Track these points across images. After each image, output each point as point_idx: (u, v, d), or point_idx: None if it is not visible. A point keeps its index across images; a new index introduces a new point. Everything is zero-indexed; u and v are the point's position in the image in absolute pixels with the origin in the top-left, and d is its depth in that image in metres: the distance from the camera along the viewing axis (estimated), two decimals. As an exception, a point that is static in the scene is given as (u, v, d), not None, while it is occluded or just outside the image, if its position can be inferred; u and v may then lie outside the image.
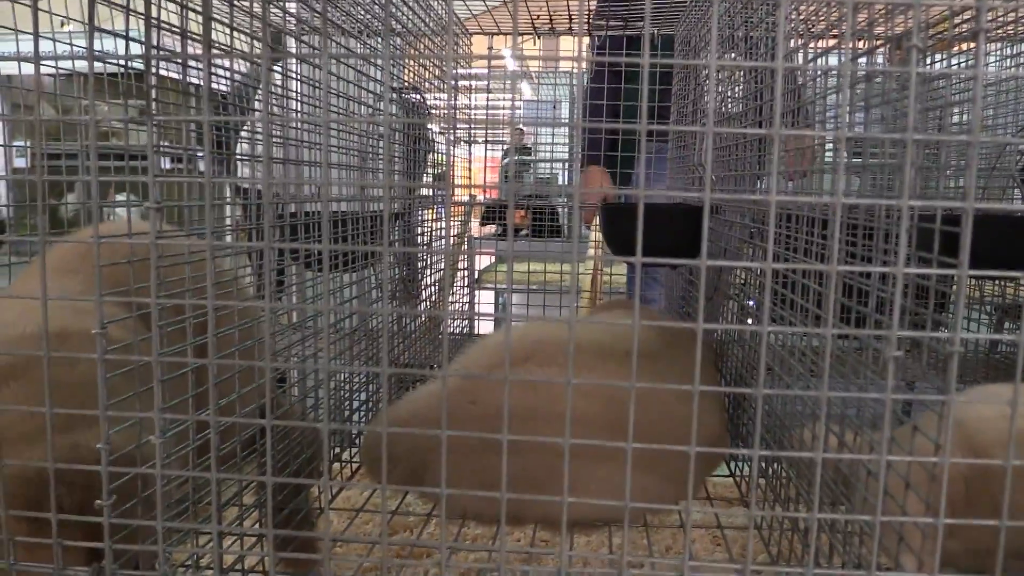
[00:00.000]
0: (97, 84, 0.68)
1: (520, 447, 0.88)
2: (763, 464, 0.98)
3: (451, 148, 0.79)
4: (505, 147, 3.04)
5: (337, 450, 1.29)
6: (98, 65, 0.65)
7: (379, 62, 1.28)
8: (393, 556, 1.20)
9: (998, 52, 1.47)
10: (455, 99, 1.37)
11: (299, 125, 1.13)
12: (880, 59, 0.84)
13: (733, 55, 1.21)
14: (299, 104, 1.11)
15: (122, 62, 0.75)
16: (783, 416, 0.93)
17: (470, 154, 1.96)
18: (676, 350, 1.11)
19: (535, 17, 1.78)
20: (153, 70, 0.67)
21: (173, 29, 0.76)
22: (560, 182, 2.83)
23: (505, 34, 1.68)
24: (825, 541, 0.72)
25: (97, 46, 0.65)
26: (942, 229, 0.65)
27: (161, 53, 0.75)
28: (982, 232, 0.78)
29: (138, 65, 0.72)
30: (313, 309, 1.16)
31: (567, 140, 2.48)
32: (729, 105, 1.30)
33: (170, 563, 0.66)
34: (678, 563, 0.60)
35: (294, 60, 1.11)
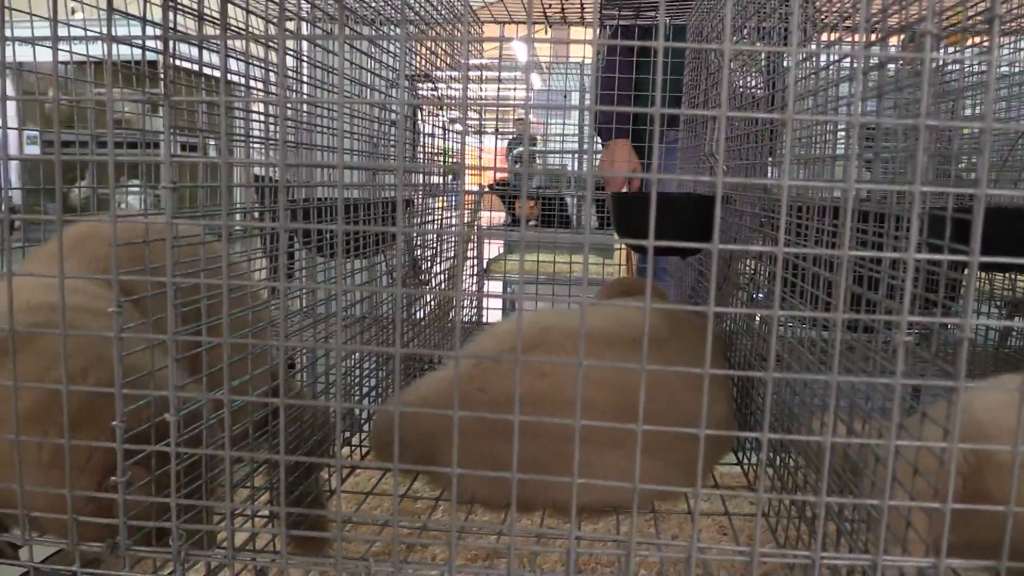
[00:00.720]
0: (111, 72, 0.69)
1: (529, 434, 0.89)
2: (771, 453, 0.99)
3: (464, 136, 0.79)
4: (512, 137, 3.03)
5: (347, 434, 1.30)
6: (113, 52, 0.66)
7: (392, 48, 1.28)
8: (403, 538, 1.20)
9: (1011, 45, 1.46)
10: (466, 86, 1.37)
11: (312, 108, 1.13)
12: (893, 49, 0.84)
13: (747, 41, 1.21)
14: (313, 90, 1.12)
15: (138, 48, 0.76)
16: (792, 405, 0.94)
17: (480, 144, 1.96)
18: (684, 339, 1.11)
19: (547, 6, 1.78)
20: (170, 51, 0.68)
21: (189, 11, 0.77)
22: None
23: (517, 23, 1.68)
24: (833, 528, 0.72)
25: (112, 31, 0.66)
26: (954, 217, 0.66)
27: (177, 34, 0.76)
28: (996, 225, 0.78)
29: (153, 49, 0.73)
30: (326, 289, 1.17)
31: (577, 131, 2.47)
32: (741, 92, 1.30)
33: (183, 540, 0.67)
34: (686, 547, 0.61)
35: (307, 47, 1.12)
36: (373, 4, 1.24)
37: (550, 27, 1.83)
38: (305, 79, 1.13)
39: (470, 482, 0.96)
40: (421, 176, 1.51)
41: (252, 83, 0.98)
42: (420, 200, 1.52)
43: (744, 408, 1.22)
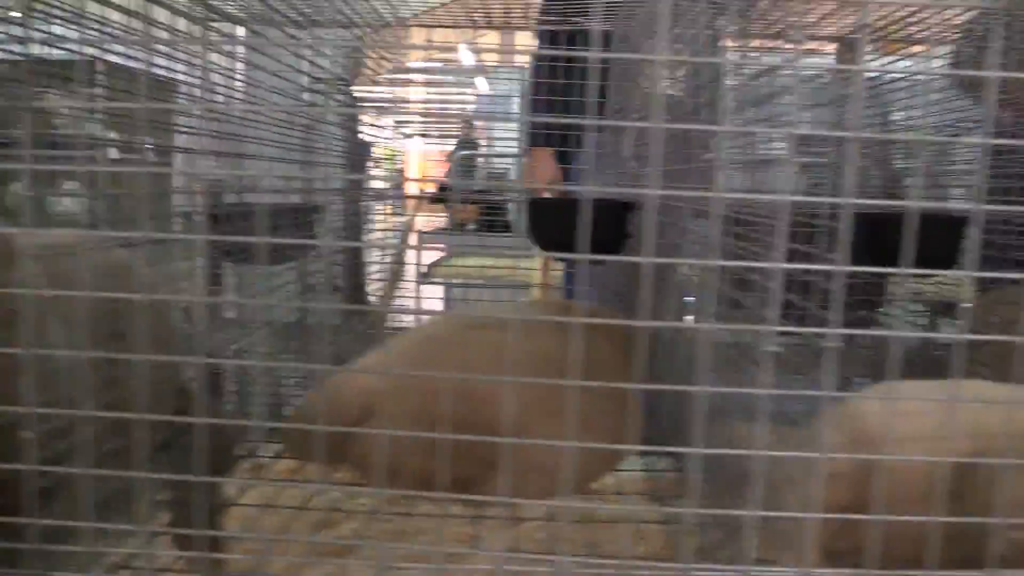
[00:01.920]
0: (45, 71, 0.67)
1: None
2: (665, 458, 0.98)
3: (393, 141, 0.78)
4: (456, 141, 3.02)
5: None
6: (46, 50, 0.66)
7: (328, 51, 1.27)
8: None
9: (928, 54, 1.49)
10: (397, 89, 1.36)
11: (236, 114, 1.12)
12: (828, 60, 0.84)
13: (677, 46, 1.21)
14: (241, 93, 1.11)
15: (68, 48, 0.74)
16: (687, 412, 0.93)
17: (413, 148, 1.95)
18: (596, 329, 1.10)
19: (489, 11, 1.78)
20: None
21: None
22: (512, 178, 2.82)
23: (448, 27, 1.68)
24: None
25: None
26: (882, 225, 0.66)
27: (101, 36, 0.75)
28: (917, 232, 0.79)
29: (69, 50, 0.71)
30: (247, 303, 1.16)
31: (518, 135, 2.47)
32: (669, 102, 1.30)
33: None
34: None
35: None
36: (303, 10, 1.22)
37: (491, 31, 1.83)
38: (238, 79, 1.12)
39: (395, 457, 0.92)
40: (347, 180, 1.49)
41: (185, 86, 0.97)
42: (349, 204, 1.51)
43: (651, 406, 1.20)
